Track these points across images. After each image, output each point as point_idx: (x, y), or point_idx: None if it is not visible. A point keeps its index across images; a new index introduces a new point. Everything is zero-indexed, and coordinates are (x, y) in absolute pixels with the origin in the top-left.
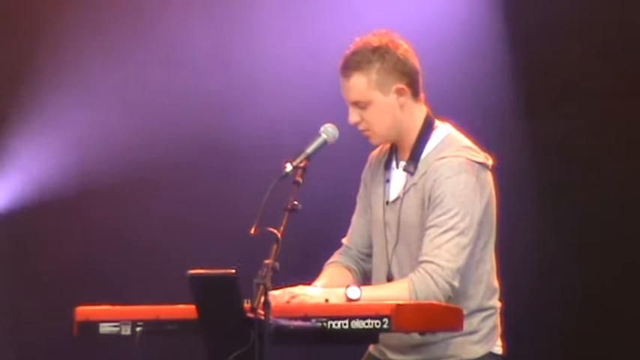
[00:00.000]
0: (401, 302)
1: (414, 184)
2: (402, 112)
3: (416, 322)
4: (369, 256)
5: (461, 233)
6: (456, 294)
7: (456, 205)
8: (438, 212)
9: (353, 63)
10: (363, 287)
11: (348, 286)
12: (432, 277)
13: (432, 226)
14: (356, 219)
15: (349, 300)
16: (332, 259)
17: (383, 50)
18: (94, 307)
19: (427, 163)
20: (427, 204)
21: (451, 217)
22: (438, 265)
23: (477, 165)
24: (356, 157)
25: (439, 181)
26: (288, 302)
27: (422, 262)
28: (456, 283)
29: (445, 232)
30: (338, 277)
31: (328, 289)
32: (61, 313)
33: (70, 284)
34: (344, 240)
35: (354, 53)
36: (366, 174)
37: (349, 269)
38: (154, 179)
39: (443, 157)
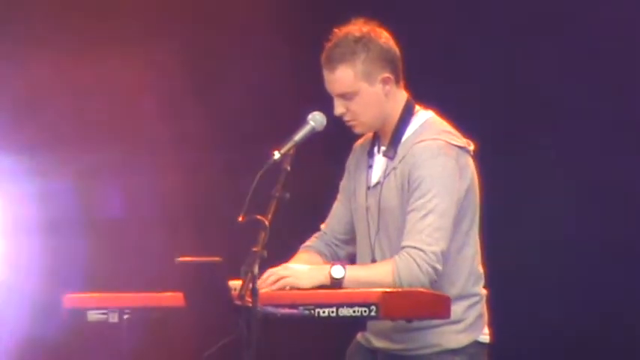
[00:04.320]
0: (388, 290)
1: (393, 168)
2: (386, 100)
3: (403, 310)
4: (345, 242)
5: (442, 215)
6: (439, 279)
7: (434, 187)
8: (416, 195)
9: (337, 55)
10: (347, 267)
11: (332, 265)
12: (415, 261)
13: (412, 210)
14: (336, 205)
15: (333, 279)
16: (307, 243)
17: (366, 40)
18: (82, 294)
19: (406, 147)
20: (407, 187)
21: (430, 200)
22: (421, 249)
23: (456, 148)
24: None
25: (417, 164)
26: (274, 283)
27: (404, 246)
28: (439, 267)
29: (425, 215)
30: (307, 261)
31: (313, 266)
32: (48, 300)
33: (57, 271)
34: (322, 225)
35: (336, 45)
36: (350, 162)
37: (320, 254)
38: (143, 164)
39: (422, 141)
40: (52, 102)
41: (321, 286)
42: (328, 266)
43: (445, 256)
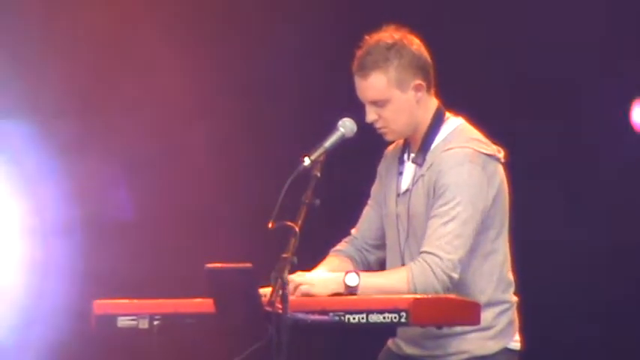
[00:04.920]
0: (419, 296)
1: (421, 175)
2: (418, 107)
3: (433, 316)
4: (375, 247)
5: (463, 223)
6: (467, 287)
7: (458, 195)
8: (440, 202)
9: (370, 62)
10: (361, 274)
11: (347, 273)
12: (431, 268)
13: (434, 216)
14: (367, 210)
15: (347, 287)
16: (337, 247)
17: (399, 47)
18: (112, 300)
19: (435, 154)
20: (432, 194)
21: (453, 207)
22: (438, 256)
23: (484, 156)
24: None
25: (443, 172)
26: (292, 293)
27: (422, 252)
28: (455, 275)
29: (447, 222)
30: (337, 266)
31: (328, 274)
32: (79, 307)
33: (87, 277)
34: (353, 230)
35: (368, 52)
36: (381, 168)
37: (351, 259)
38: (173, 171)
39: (449, 149)
40: (81, 105)
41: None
42: (342, 274)
43: (463, 264)
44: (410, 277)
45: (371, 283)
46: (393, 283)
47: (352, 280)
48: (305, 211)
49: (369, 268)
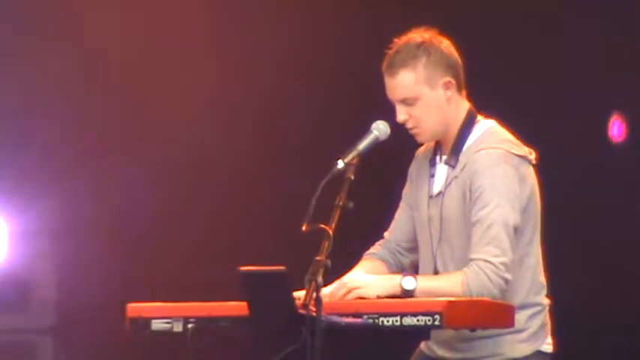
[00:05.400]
0: (453, 299)
1: (455, 177)
2: (448, 106)
3: (467, 319)
4: (408, 250)
5: (506, 225)
6: None
7: (496, 197)
8: (479, 205)
9: (398, 60)
10: (418, 278)
11: (403, 276)
12: (485, 273)
13: (476, 222)
14: (399, 213)
15: (404, 290)
16: (370, 251)
17: (427, 44)
18: (146, 303)
19: (467, 155)
20: (469, 196)
21: (493, 210)
22: (489, 261)
23: (516, 157)
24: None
25: (478, 173)
26: (345, 296)
27: (473, 259)
28: (509, 276)
29: (490, 226)
30: (372, 269)
31: (382, 276)
32: (113, 310)
33: (122, 280)
34: (386, 233)
35: (398, 51)
36: (412, 170)
37: (385, 262)
38: (206, 175)
39: (482, 149)
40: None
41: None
42: (399, 277)
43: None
44: (465, 281)
45: (427, 286)
46: (449, 287)
47: (409, 283)
48: (338, 214)
49: (403, 271)
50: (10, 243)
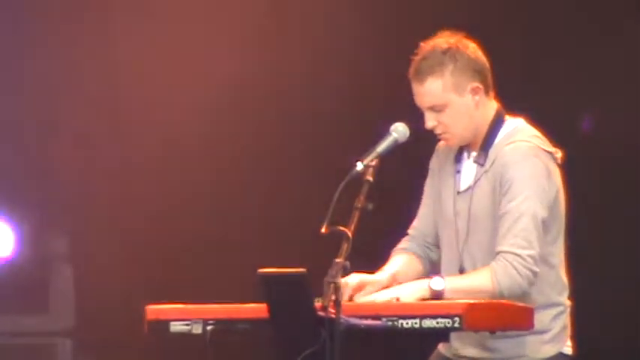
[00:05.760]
0: (471, 301)
1: (485, 171)
2: (476, 110)
3: (486, 321)
4: (435, 245)
5: (534, 217)
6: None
7: (525, 189)
8: (508, 198)
9: (425, 67)
10: (446, 277)
11: (431, 277)
12: (513, 266)
13: (505, 214)
14: (423, 208)
15: (433, 291)
16: (399, 246)
17: (453, 51)
18: (165, 305)
19: (497, 149)
20: (498, 189)
21: (522, 202)
22: (517, 254)
23: (546, 153)
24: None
25: (508, 165)
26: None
27: (500, 252)
28: (537, 269)
29: (518, 218)
30: (406, 264)
31: (406, 283)
32: (132, 312)
33: (140, 282)
34: (410, 230)
35: (424, 58)
36: (433, 164)
37: (417, 256)
38: (227, 177)
39: (512, 142)
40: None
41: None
42: (427, 279)
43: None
44: (494, 277)
45: (456, 285)
46: (479, 283)
47: (438, 284)
48: (357, 216)
49: (432, 265)
50: (29, 244)
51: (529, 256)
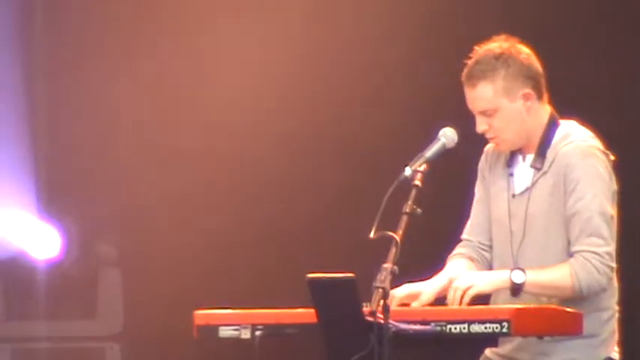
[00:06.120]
0: (520, 306)
1: (543, 173)
2: (528, 116)
3: (535, 326)
4: (490, 247)
5: (604, 214)
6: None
7: (592, 187)
8: (576, 197)
9: (477, 72)
10: (527, 271)
11: (512, 270)
12: (592, 264)
13: (574, 214)
14: (475, 212)
15: (514, 283)
16: (455, 252)
17: (506, 56)
18: (214, 310)
19: (555, 150)
20: (562, 189)
21: (591, 201)
22: (595, 252)
23: (603, 153)
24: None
25: (571, 165)
26: (462, 299)
27: (576, 251)
28: (614, 265)
29: (590, 217)
30: (464, 268)
31: (483, 272)
32: (180, 317)
33: (189, 287)
34: (464, 235)
35: (477, 62)
36: (483, 166)
37: (473, 260)
38: (276, 182)
39: (572, 142)
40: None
41: None
42: (507, 271)
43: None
44: (573, 273)
45: (537, 279)
46: (558, 278)
47: (519, 277)
48: (406, 221)
49: (490, 267)
50: (77, 249)
51: (606, 252)
